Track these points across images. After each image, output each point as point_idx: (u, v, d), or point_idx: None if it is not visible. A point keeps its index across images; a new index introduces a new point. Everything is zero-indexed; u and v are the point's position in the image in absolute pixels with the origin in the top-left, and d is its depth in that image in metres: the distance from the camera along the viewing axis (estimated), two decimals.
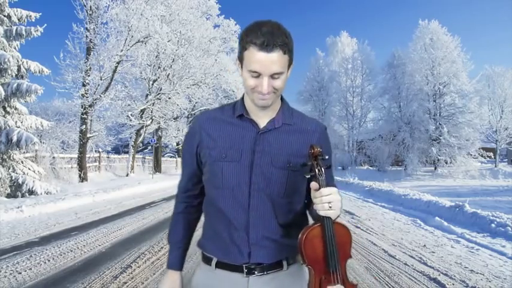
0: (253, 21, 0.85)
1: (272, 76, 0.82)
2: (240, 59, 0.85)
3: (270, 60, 0.80)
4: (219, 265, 0.91)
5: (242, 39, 0.84)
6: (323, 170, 0.79)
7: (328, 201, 0.77)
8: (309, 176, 0.80)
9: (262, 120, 0.90)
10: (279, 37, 0.80)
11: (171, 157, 29.57)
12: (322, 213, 0.78)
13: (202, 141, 0.93)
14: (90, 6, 12.65)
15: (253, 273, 0.88)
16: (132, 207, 7.42)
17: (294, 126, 0.91)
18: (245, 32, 0.83)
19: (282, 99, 0.93)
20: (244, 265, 0.88)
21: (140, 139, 17.08)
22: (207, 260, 0.94)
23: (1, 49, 8.62)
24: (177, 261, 0.98)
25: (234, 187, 0.88)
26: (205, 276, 0.94)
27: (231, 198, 0.88)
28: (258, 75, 0.82)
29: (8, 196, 8.01)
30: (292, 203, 0.90)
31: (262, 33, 0.80)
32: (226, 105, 0.97)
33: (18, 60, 9.19)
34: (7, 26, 9.21)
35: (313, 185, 0.78)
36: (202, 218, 0.99)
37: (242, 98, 0.94)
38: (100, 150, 16.64)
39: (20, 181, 8.26)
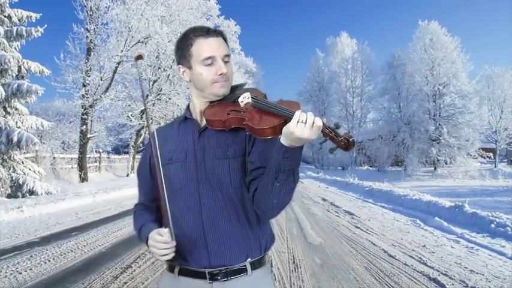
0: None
1: (223, 59, 0.89)
2: (187, 59, 0.90)
3: (218, 43, 0.89)
4: (182, 272, 0.90)
5: (183, 43, 0.91)
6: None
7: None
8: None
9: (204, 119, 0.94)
10: (214, 28, 0.92)
11: None
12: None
13: (152, 154, 0.95)
14: (91, 7, 12.67)
15: (217, 279, 0.87)
16: (132, 207, 7.40)
17: None
18: (183, 37, 0.91)
19: None
20: (206, 270, 0.87)
21: (140, 139, 17.09)
22: (170, 269, 0.93)
23: (2, 49, 8.63)
24: (154, 227, 0.91)
25: (183, 187, 0.89)
26: (169, 285, 0.93)
27: (182, 199, 0.89)
28: (211, 62, 0.88)
29: (9, 196, 8.02)
30: (243, 193, 0.89)
31: (201, 28, 0.90)
32: (178, 117, 1.03)
33: (18, 61, 9.20)
34: (7, 27, 9.23)
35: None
36: None
37: (188, 106, 0.99)
38: (100, 150, 16.65)
39: (20, 181, 8.27)
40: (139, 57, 0.98)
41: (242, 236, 0.89)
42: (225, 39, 0.91)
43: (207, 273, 0.87)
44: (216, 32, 0.90)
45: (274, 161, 0.80)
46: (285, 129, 0.77)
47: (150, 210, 1.02)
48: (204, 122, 0.93)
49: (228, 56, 0.90)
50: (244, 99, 0.88)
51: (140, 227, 0.96)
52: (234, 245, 0.88)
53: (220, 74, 0.88)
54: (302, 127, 0.75)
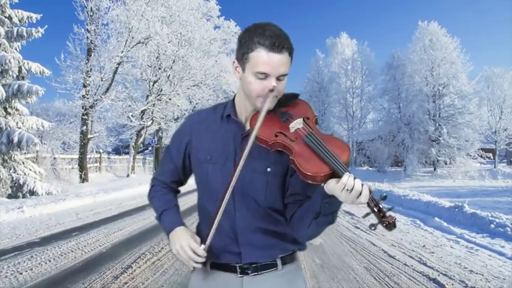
0: (252, 24, 0.85)
1: (278, 78, 0.83)
2: (243, 61, 0.84)
3: (279, 61, 0.81)
4: (213, 266, 0.91)
5: (246, 40, 0.82)
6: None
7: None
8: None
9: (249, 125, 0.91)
10: (285, 39, 0.82)
11: None
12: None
13: (191, 142, 0.94)
14: (91, 8, 12.69)
15: (247, 273, 0.89)
16: (132, 207, 7.43)
17: None
18: (249, 34, 0.82)
19: None
20: (237, 265, 0.89)
21: (141, 140, 17.09)
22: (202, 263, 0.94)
23: (2, 50, 8.64)
24: (181, 221, 0.93)
25: (219, 189, 0.87)
26: (201, 278, 0.94)
27: (216, 200, 0.87)
28: (264, 77, 0.82)
29: (9, 197, 8.02)
30: (276, 207, 0.90)
31: (270, 35, 0.80)
32: (219, 104, 0.97)
33: (19, 61, 9.20)
34: (8, 27, 9.24)
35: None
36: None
37: (233, 99, 0.94)
38: (101, 151, 16.65)
39: (21, 182, 8.27)
40: None
41: (274, 239, 0.90)
42: (289, 53, 0.83)
43: (237, 268, 0.89)
44: (282, 48, 0.80)
45: (315, 204, 0.80)
46: (330, 188, 0.75)
47: (171, 190, 1.01)
48: (248, 126, 0.90)
49: (284, 75, 0.83)
50: (296, 125, 0.84)
51: (163, 210, 0.95)
52: (266, 247, 0.89)
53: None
54: (347, 195, 0.72)
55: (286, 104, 0.89)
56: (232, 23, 21.66)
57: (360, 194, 0.72)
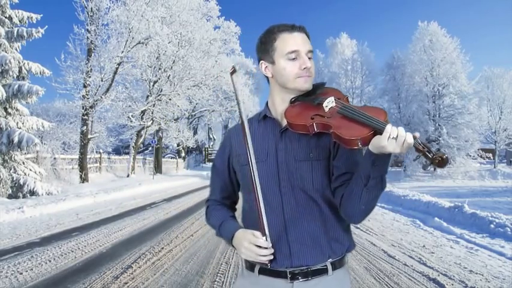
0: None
1: (307, 55, 0.88)
2: (270, 54, 0.89)
3: (303, 38, 0.89)
4: (262, 271, 0.90)
5: (267, 38, 0.90)
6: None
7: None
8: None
9: (285, 119, 0.93)
10: (300, 25, 0.91)
11: (171, 158, 29.59)
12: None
13: (232, 152, 0.98)
14: (91, 8, 12.71)
15: (297, 279, 0.87)
16: (132, 208, 7.44)
17: None
18: (267, 33, 0.90)
19: None
20: (288, 270, 0.87)
21: (141, 140, 17.11)
22: (250, 267, 0.92)
23: (3, 50, 8.65)
24: (238, 225, 0.94)
25: (265, 187, 0.88)
26: (248, 283, 0.93)
27: (264, 199, 0.88)
28: (295, 56, 0.87)
29: (10, 197, 8.03)
30: (325, 195, 0.88)
31: (286, 23, 0.90)
32: (255, 114, 1.01)
33: (19, 62, 9.22)
34: (8, 28, 9.25)
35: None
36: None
37: (266, 104, 0.98)
38: (101, 151, 16.66)
39: (21, 182, 8.28)
40: (233, 71, 0.90)
41: (324, 237, 0.88)
42: (308, 36, 0.90)
43: (288, 273, 0.87)
44: (300, 28, 0.89)
45: (363, 168, 0.80)
46: (375, 142, 0.75)
47: (225, 206, 1.03)
48: (285, 122, 0.91)
49: (311, 52, 0.89)
50: (329, 103, 0.85)
51: (221, 223, 0.97)
52: (316, 245, 0.88)
53: (304, 69, 0.87)
54: (393, 143, 0.73)
55: (315, 93, 0.92)
56: (232, 23, 21.69)
57: (405, 139, 0.72)
